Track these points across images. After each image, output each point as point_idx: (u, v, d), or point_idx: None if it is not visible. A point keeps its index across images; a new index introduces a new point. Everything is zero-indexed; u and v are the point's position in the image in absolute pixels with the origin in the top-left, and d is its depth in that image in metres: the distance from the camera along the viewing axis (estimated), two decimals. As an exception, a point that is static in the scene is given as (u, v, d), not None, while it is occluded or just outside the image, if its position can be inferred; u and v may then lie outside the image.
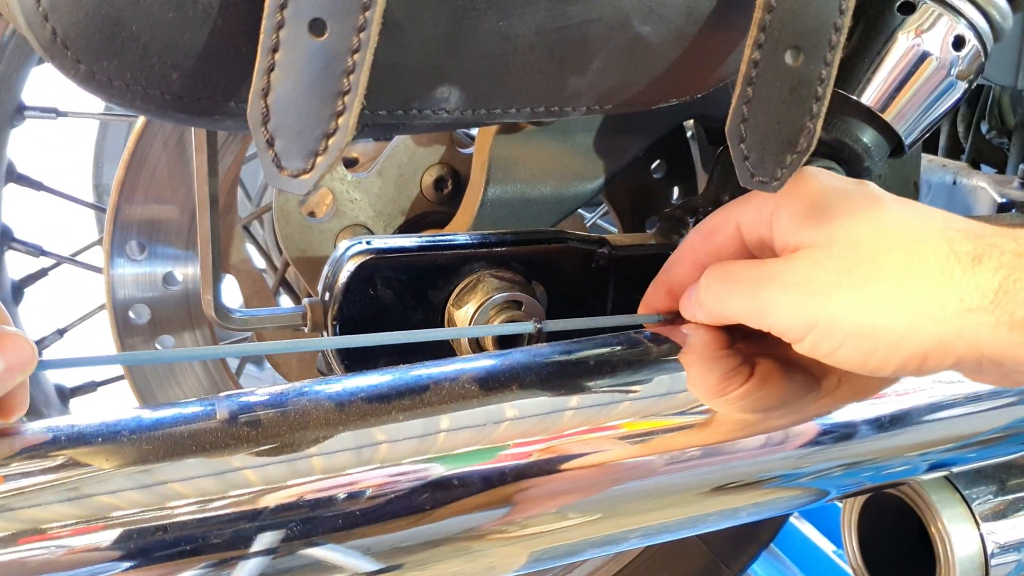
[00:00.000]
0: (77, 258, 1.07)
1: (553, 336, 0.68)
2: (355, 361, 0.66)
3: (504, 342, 0.65)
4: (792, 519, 1.33)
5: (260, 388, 0.49)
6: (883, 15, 0.62)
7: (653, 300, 0.57)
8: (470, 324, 0.64)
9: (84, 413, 0.46)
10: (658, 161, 0.88)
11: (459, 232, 0.74)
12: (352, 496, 0.45)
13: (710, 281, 0.51)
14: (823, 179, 0.50)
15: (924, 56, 0.61)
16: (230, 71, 0.41)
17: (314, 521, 0.44)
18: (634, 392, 0.52)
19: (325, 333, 0.66)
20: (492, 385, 0.50)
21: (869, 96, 0.63)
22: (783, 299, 0.47)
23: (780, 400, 0.52)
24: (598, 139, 0.75)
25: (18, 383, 0.41)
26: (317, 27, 0.39)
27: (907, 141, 0.65)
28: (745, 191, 0.52)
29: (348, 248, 0.65)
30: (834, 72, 0.46)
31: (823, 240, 0.47)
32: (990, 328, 0.43)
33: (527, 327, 0.56)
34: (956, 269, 0.44)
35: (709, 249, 0.53)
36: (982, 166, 1.20)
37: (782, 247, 0.49)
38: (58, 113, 0.99)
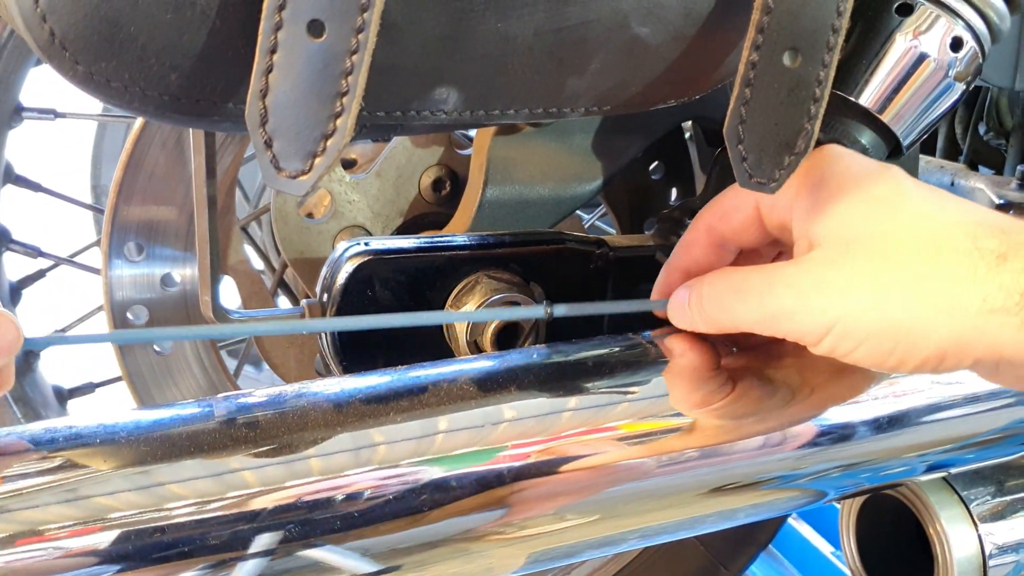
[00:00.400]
0: (75, 259, 1.07)
1: (554, 334, 0.68)
2: (353, 362, 0.66)
3: (502, 343, 0.65)
4: (790, 520, 1.33)
5: (258, 389, 0.49)
6: (881, 17, 0.62)
7: (667, 284, 0.54)
8: (468, 325, 0.64)
9: (82, 414, 0.45)
10: (656, 162, 0.88)
11: (457, 233, 0.74)
12: (350, 497, 0.45)
13: (716, 292, 0.49)
14: (847, 163, 0.48)
15: (922, 58, 0.61)
16: (228, 72, 0.41)
17: (312, 522, 0.44)
18: (632, 393, 0.52)
19: (323, 334, 0.66)
20: (490, 387, 0.50)
21: (867, 97, 0.63)
22: (797, 305, 0.45)
23: (757, 413, 0.52)
24: (596, 140, 0.75)
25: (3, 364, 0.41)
26: (315, 28, 0.39)
27: (905, 142, 0.65)
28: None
29: (346, 249, 0.65)
30: (832, 73, 0.46)
31: (839, 237, 0.45)
32: (1013, 330, 0.42)
33: (538, 311, 0.53)
34: (980, 267, 0.43)
35: (727, 230, 0.51)
36: (980, 167, 1.20)
37: (800, 235, 0.48)
38: (56, 114, 0.99)
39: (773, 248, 0.54)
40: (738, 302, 0.48)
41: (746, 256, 0.54)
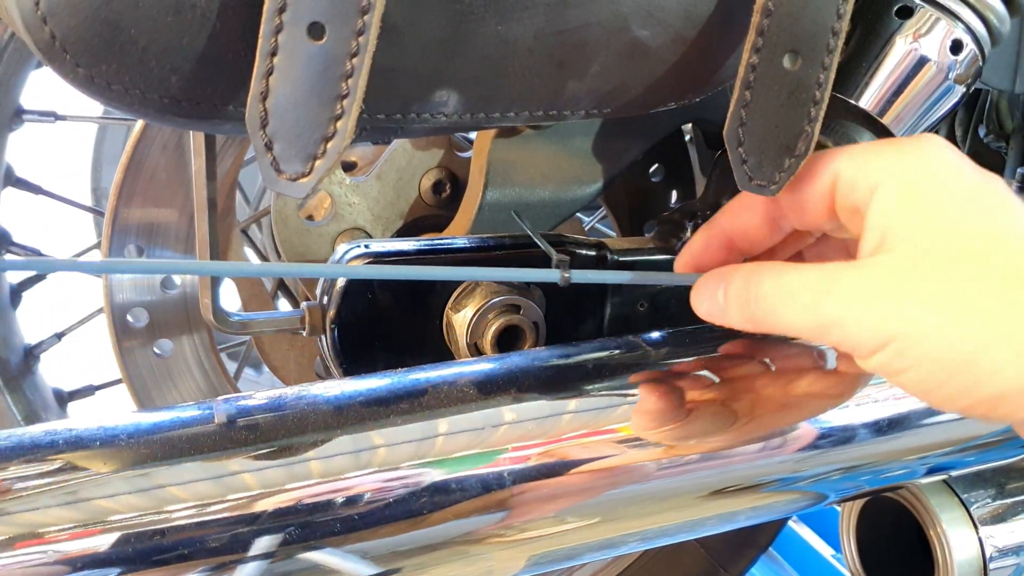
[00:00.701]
0: (75, 262, 1.07)
1: (554, 337, 0.68)
2: (353, 364, 0.66)
3: (503, 346, 0.65)
4: (791, 523, 1.33)
5: (258, 392, 0.49)
6: (881, 19, 0.62)
7: (703, 252, 0.49)
8: (468, 328, 0.64)
9: (82, 417, 0.45)
10: (656, 165, 0.88)
11: (457, 236, 0.74)
12: (350, 500, 0.45)
13: (763, 291, 0.44)
14: (951, 161, 0.42)
15: (922, 60, 0.61)
16: (229, 75, 0.41)
17: (312, 525, 0.44)
18: (632, 396, 0.52)
19: (323, 337, 0.66)
20: (490, 389, 0.50)
21: (867, 100, 0.63)
22: (855, 315, 0.40)
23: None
24: (596, 143, 0.75)
25: None
26: (316, 31, 0.39)
27: (905, 145, 0.65)
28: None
29: (346, 252, 0.66)
30: (832, 76, 0.46)
31: (920, 242, 0.40)
32: None
33: (553, 275, 0.48)
34: None
35: (793, 201, 0.46)
36: (980, 170, 1.20)
37: (874, 227, 0.42)
38: (57, 116, 0.99)
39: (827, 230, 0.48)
40: (789, 306, 0.43)
41: (793, 238, 0.50)
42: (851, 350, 0.42)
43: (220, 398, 0.48)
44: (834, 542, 1.29)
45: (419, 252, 0.66)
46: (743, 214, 0.48)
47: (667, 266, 0.72)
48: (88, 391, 1.05)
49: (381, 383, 0.50)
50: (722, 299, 0.46)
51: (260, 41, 0.39)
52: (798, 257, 0.52)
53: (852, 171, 0.44)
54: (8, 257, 0.99)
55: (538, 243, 0.64)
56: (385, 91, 0.44)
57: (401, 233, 0.86)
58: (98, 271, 0.62)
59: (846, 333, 0.41)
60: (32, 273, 1.04)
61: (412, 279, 0.50)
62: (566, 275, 0.48)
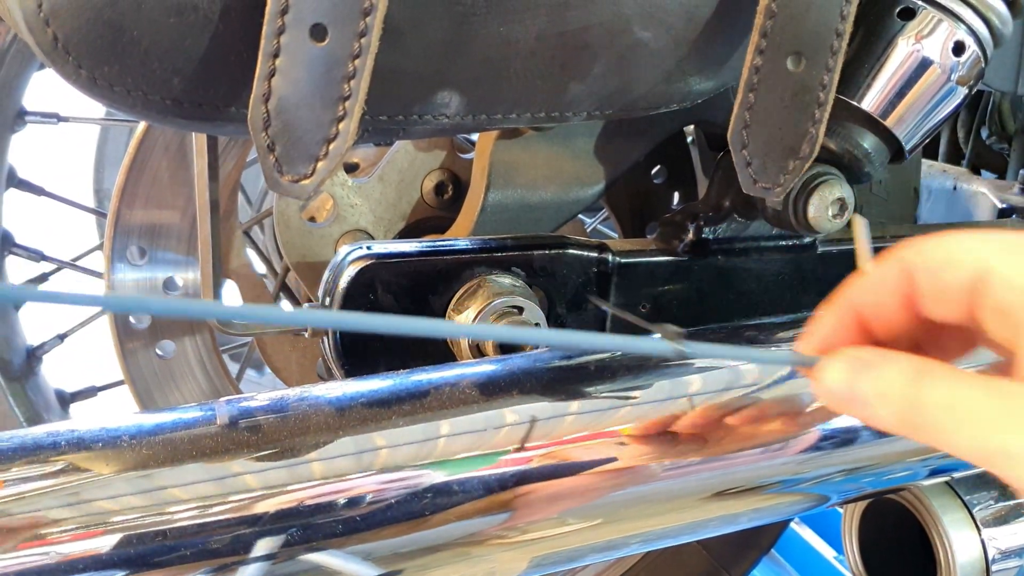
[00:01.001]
0: (78, 263, 1.07)
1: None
2: (356, 366, 0.66)
3: (505, 347, 0.65)
4: (793, 525, 1.32)
5: (260, 393, 0.49)
6: (883, 21, 0.62)
7: (835, 335, 0.41)
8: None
9: (84, 418, 0.46)
10: (658, 166, 0.88)
11: (459, 237, 0.74)
12: (352, 501, 0.45)
13: (931, 400, 0.37)
14: None
15: (924, 62, 0.61)
16: (231, 76, 0.41)
17: (314, 526, 0.44)
18: (635, 398, 0.52)
19: (325, 338, 0.66)
20: (493, 390, 0.50)
21: (869, 102, 0.63)
22: None
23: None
24: (598, 144, 0.75)
25: None
26: (318, 32, 0.39)
27: (907, 147, 0.65)
28: (746, 196, 0.51)
29: (349, 253, 0.65)
30: (836, 78, 0.46)
31: None
32: None
33: (665, 348, 0.39)
34: None
35: (926, 286, 0.39)
36: (982, 172, 1.20)
37: None
38: (59, 118, 0.99)
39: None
40: (956, 426, 0.37)
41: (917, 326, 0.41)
42: (1019, 488, 0.36)
43: (222, 399, 0.48)
44: (836, 544, 1.29)
45: (421, 254, 0.66)
46: (875, 291, 0.41)
47: (668, 266, 0.72)
48: (90, 392, 1.05)
49: (383, 384, 0.50)
50: (869, 392, 0.39)
51: (262, 43, 0.39)
52: (915, 345, 0.43)
53: (1011, 270, 0.36)
54: (10, 258, 0.99)
55: (635, 321, 0.61)
56: (387, 92, 0.44)
57: (403, 235, 0.86)
58: (103, 306, 0.61)
59: (1014, 466, 0.35)
60: (35, 275, 1.04)
61: (428, 336, 0.43)
62: (680, 348, 0.40)
